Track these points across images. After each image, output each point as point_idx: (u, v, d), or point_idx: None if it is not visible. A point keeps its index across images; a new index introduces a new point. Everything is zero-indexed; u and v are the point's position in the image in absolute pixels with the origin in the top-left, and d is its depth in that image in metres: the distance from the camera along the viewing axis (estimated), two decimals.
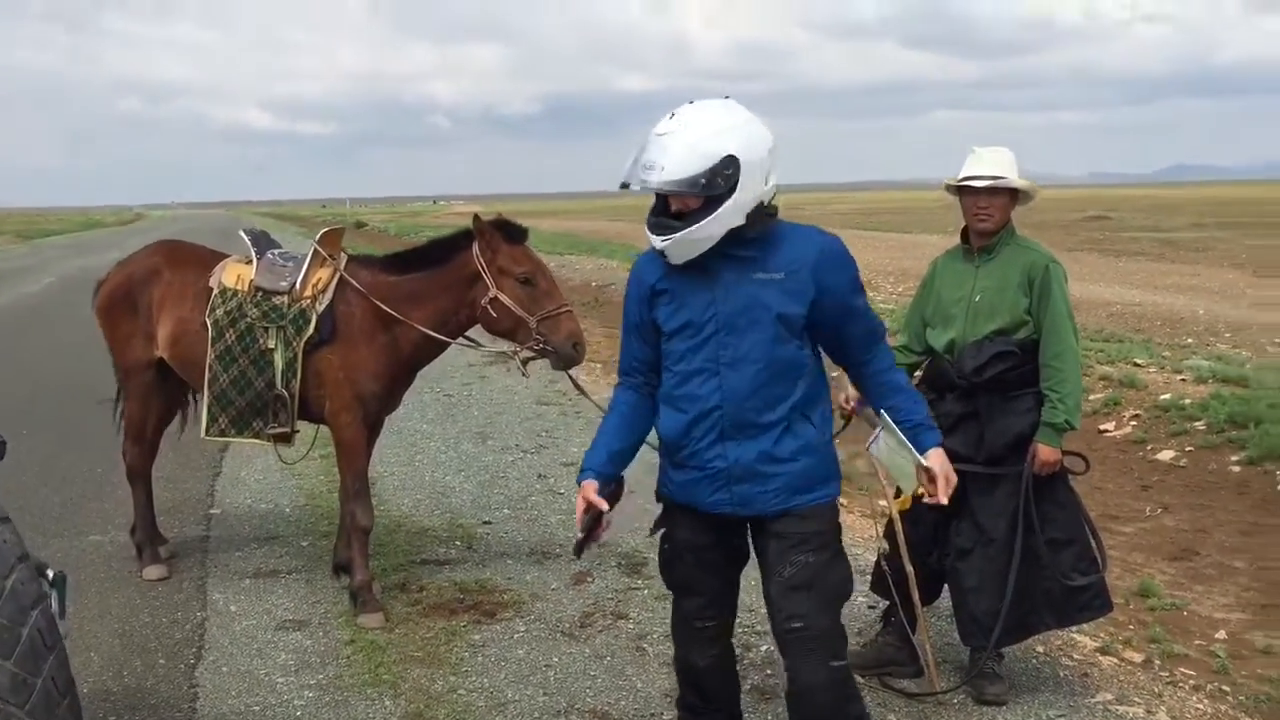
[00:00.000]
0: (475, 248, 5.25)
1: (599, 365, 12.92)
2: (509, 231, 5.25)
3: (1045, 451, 4.30)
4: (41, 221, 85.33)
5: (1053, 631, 5.11)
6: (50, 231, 66.94)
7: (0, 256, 40.87)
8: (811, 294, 3.14)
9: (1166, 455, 8.46)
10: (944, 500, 3.28)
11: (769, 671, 4.67)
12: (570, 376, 5.57)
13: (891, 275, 25.58)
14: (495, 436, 9.15)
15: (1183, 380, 10.00)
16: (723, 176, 2.99)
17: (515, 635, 5.07)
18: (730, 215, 3.04)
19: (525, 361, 5.43)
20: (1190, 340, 16.15)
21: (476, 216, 5.29)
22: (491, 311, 5.24)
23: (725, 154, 2.99)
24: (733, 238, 3.10)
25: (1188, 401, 9.20)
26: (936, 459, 3.28)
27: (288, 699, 4.47)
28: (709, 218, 3.03)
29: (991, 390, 4.38)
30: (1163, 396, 9.48)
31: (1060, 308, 4.32)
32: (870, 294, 18.57)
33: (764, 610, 5.29)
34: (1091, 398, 9.96)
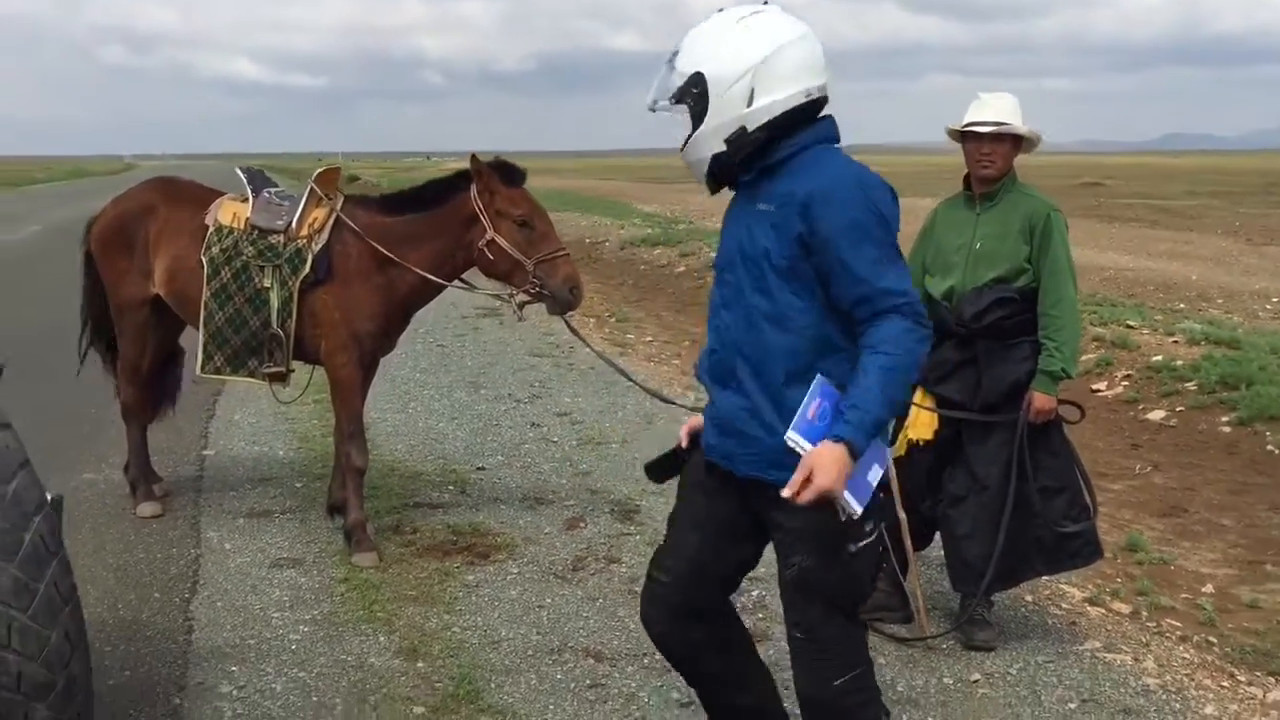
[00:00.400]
0: (473, 189, 5.22)
1: (591, 320, 12.92)
2: (507, 174, 5.23)
3: (1040, 399, 4.31)
4: (29, 170, 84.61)
5: (1041, 581, 5.17)
6: (37, 180, 66.37)
7: None
8: (797, 232, 2.70)
9: (1157, 415, 8.49)
10: (785, 494, 2.60)
11: (760, 615, 4.70)
12: (566, 321, 5.56)
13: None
14: (488, 386, 9.15)
15: (1175, 342, 10.01)
16: (691, 96, 2.73)
17: (508, 577, 5.10)
18: (706, 140, 2.75)
19: (521, 305, 5.40)
20: (1182, 305, 16.18)
21: (474, 158, 5.26)
22: (488, 254, 5.22)
23: (693, 71, 2.72)
24: (742, 164, 2.79)
25: (1179, 363, 9.21)
26: (814, 453, 2.59)
27: (283, 633, 4.49)
28: (688, 143, 2.78)
29: (989, 337, 4.39)
30: (1155, 358, 9.49)
31: (1060, 256, 4.32)
32: None
33: None
34: (1084, 358, 9.95)
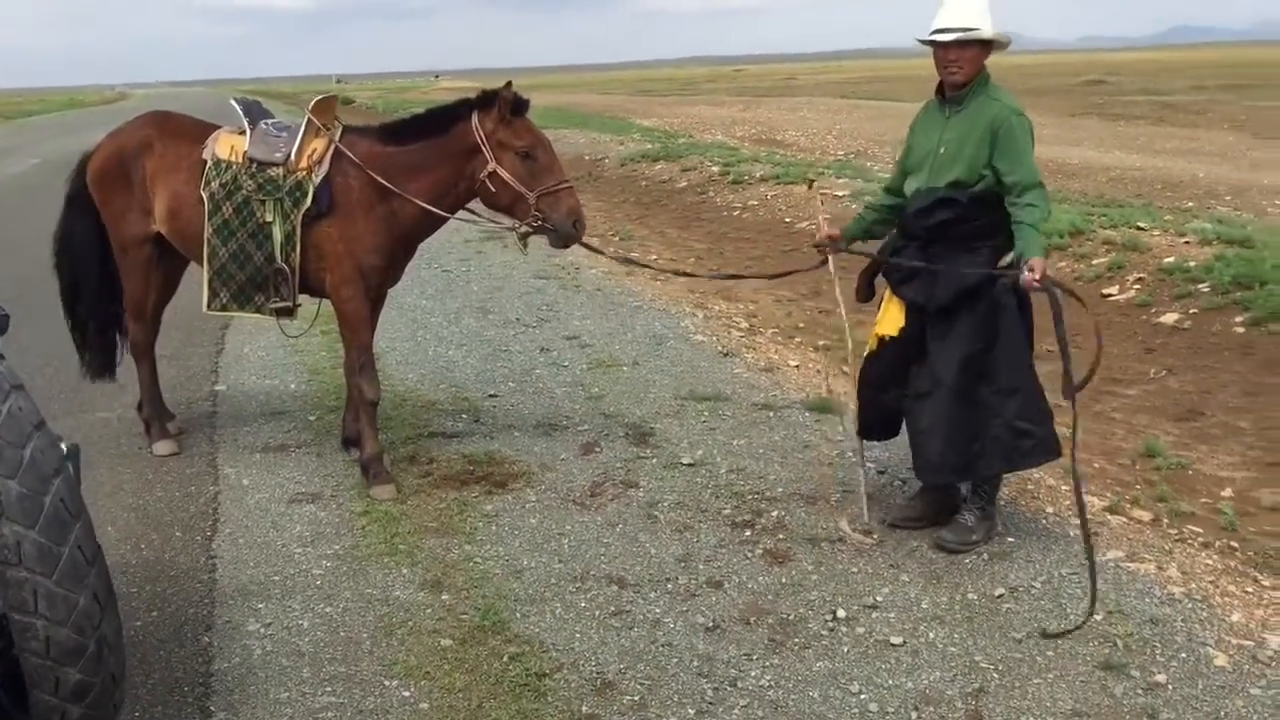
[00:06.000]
0: (475, 119, 5.11)
1: (595, 239, 12.79)
2: (510, 103, 5.10)
3: (1039, 262, 4.21)
4: (22, 102, 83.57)
5: (1060, 491, 5.19)
6: (32, 111, 65.59)
7: None
8: None
9: (1170, 318, 8.42)
10: None
11: (781, 536, 4.71)
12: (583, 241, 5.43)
13: (888, 145, 25.24)
14: (496, 311, 9.09)
15: (1186, 243, 9.90)
16: None
17: (527, 505, 5.09)
18: None
19: (524, 237, 5.29)
20: (1190, 204, 16.03)
21: (484, 92, 5.14)
22: (490, 186, 5.12)
23: None
24: None
25: (1192, 264, 9.12)
26: None
27: (306, 568, 4.50)
28: None
29: (946, 240, 4.47)
30: (1166, 260, 9.39)
31: (1022, 156, 4.33)
32: (868, 163, 18.23)
33: (773, 476, 5.36)
34: (1094, 262, 9.90)
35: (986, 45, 4.42)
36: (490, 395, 6.76)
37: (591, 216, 13.13)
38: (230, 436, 6.12)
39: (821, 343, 8.30)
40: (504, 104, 5.05)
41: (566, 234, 5.16)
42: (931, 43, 4.43)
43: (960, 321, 4.45)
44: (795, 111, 38.33)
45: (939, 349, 4.53)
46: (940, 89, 4.58)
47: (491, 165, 5.07)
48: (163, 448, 5.84)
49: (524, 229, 5.20)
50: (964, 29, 4.34)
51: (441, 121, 5.24)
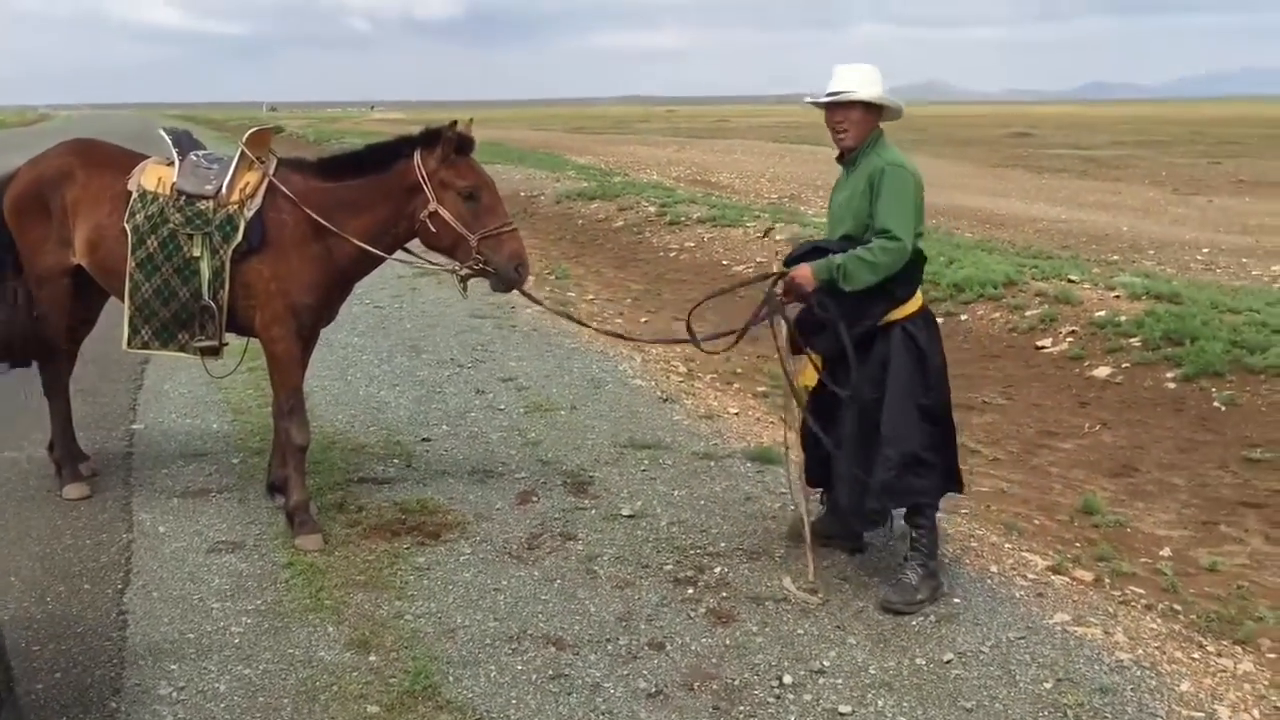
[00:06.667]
0: (417, 157, 4.94)
1: (531, 278, 12.61)
2: (454, 142, 4.95)
3: (802, 269, 4.49)
4: None
5: (1004, 549, 5.15)
6: None
7: None
8: None
9: (1103, 371, 8.49)
10: None
11: (724, 594, 4.57)
12: (521, 289, 5.29)
13: (821, 189, 25.50)
14: (429, 350, 8.88)
15: (1116, 297, 10.02)
16: None
17: (461, 558, 4.89)
18: None
19: (464, 280, 5.12)
20: (1116, 257, 16.36)
21: (429, 128, 4.98)
22: (431, 226, 4.95)
23: None
24: None
25: (1123, 318, 9.22)
26: None
27: (224, 625, 4.25)
28: None
29: (844, 291, 4.49)
30: (1098, 313, 9.49)
31: (889, 203, 4.42)
32: (801, 208, 18.32)
33: (715, 530, 5.23)
34: (1027, 314, 9.98)
35: (873, 110, 4.55)
36: (423, 439, 6.55)
37: (528, 255, 12.99)
38: (147, 479, 5.83)
39: (760, 389, 8.22)
40: (444, 142, 4.90)
41: (508, 278, 5.02)
42: (816, 106, 4.63)
43: (855, 372, 4.52)
44: (729, 154, 38.67)
45: (842, 401, 4.60)
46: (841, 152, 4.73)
47: (433, 205, 4.91)
48: (74, 491, 5.55)
49: (465, 271, 5.04)
50: (836, 92, 4.52)
51: (382, 158, 5.06)
